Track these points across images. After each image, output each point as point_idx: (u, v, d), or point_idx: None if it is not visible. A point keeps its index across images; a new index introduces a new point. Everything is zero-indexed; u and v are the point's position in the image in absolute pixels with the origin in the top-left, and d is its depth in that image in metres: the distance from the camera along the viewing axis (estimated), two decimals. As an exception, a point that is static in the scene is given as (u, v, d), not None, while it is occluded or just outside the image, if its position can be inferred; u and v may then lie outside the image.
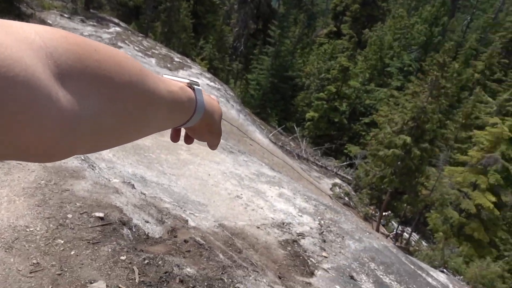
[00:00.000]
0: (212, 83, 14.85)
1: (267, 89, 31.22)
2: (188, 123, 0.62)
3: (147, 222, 3.85)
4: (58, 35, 0.35)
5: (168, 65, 13.75)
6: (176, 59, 15.37)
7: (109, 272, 2.54)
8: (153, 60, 13.37)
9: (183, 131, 0.75)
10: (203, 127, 0.68)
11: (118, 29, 15.75)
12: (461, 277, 9.89)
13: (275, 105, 31.54)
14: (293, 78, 32.83)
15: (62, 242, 2.73)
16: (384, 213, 18.93)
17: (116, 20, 17.77)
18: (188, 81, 0.61)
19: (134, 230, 3.45)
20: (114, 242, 2.89)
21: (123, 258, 2.74)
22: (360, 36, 38.75)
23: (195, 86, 0.62)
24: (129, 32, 16.61)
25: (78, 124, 0.35)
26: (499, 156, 17.32)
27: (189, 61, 16.91)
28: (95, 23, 14.96)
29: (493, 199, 16.69)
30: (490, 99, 27.22)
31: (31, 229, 2.80)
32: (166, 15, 25.64)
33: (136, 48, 14.29)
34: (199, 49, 31.39)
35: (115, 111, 0.40)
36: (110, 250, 2.77)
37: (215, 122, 0.69)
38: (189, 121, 0.61)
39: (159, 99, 0.49)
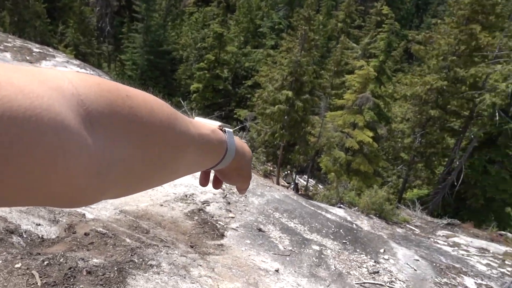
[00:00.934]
0: (83, 70, 13.82)
1: (144, 68, 30.03)
2: (218, 166, 0.61)
3: (39, 225, 3.60)
4: (91, 82, 0.35)
5: (28, 58, 12.40)
6: (36, 50, 13.91)
7: (5, 284, 2.36)
8: (8, 55, 11.93)
9: (211, 174, 0.74)
10: (232, 170, 0.67)
11: (-45, 25, 13.63)
12: (356, 207, 10.99)
13: (156, 82, 30.58)
14: (170, 52, 32.00)
15: None
16: (286, 172, 20.00)
17: (-49, 15, 15.31)
18: (219, 124, 0.61)
19: (25, 236, 3.21)
20: (4, 253, 2.68)
21: (18, 266, 2.55)
22: (228, 1, 38.93)
23: (227, 129, 0.62)
24: (-29, 27, 14.48)
25: (108, 170, 0.34)
26: (370, 94, 19.26)
27: (51, 50, 15.41)
28: None
29: (371, 134, 18.66)
30: (354, 45, 29.74)
31: None
32: (11, 2, 22.78)
33: (-17, 44, 12.57)
34: (60, 36, 28.70)
35: (145, 156, 0.40)
36: (0, 261, 2.56)
37: (245, 165, 0.68)
38: (220, 163, 0.61)
39: (190, 143, 0.49)
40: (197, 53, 30.98)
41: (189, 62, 31.73)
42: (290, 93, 19.79)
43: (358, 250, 7.08)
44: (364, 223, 9.18)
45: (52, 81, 0.31)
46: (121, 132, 0.36)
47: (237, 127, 24.88)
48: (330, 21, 37.89)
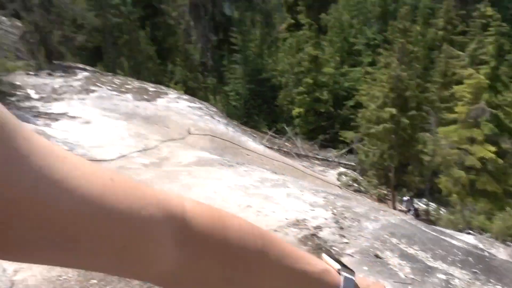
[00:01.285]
0: (192, 104, 14.85)
1: (247, 97, 31.20)
2: None
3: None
4: (200, 209, 0.45)
5: (145, 97, 13.71)
6: (151, 89, 15.34)
7: None
8: (129, 96, 13.32)
9: None
10: None
11: (86, 73, 15.67)
12: (489, 234, 9.88)
13: (259, 110, 31.50)
14: (269, 79, 32.87)
15: None
16: (406, 198, 18.70)
17: (82, 65, 17.68)
18: (340, 267, 0.57)
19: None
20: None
21: None
22: (319, 22, 39.05)
23: (345, 274, 0.56)
24: (97, 73, 16.53)
25: (182, 275, 0.43)
26: (485, 105, 17.54)
27: (163, 88, 16.87)
28: (62, 74, 14.88)
29: (493, 149, 16.77)
30: (460, 53, 27.58)
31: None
32: (128, 48, 25.63)
33: (109, 87, 14.23)
34: (170, 74, 31.32)
35: (223, 276, 0.46)
36: None
37: None
38: None
39: (277, 275, 0.51)
40: (295, 78, 31.36)
41: (289, 87, 32.18)
42: (393, 110, 18.96)
43: (492, 280, 6.30)
44: (500, 251, 8.22)
45: (170, 204, 0.41)
46: (209, 251, 0.44)
47: (344, 150, 24.26)
48: (429, 30, 35.71)
